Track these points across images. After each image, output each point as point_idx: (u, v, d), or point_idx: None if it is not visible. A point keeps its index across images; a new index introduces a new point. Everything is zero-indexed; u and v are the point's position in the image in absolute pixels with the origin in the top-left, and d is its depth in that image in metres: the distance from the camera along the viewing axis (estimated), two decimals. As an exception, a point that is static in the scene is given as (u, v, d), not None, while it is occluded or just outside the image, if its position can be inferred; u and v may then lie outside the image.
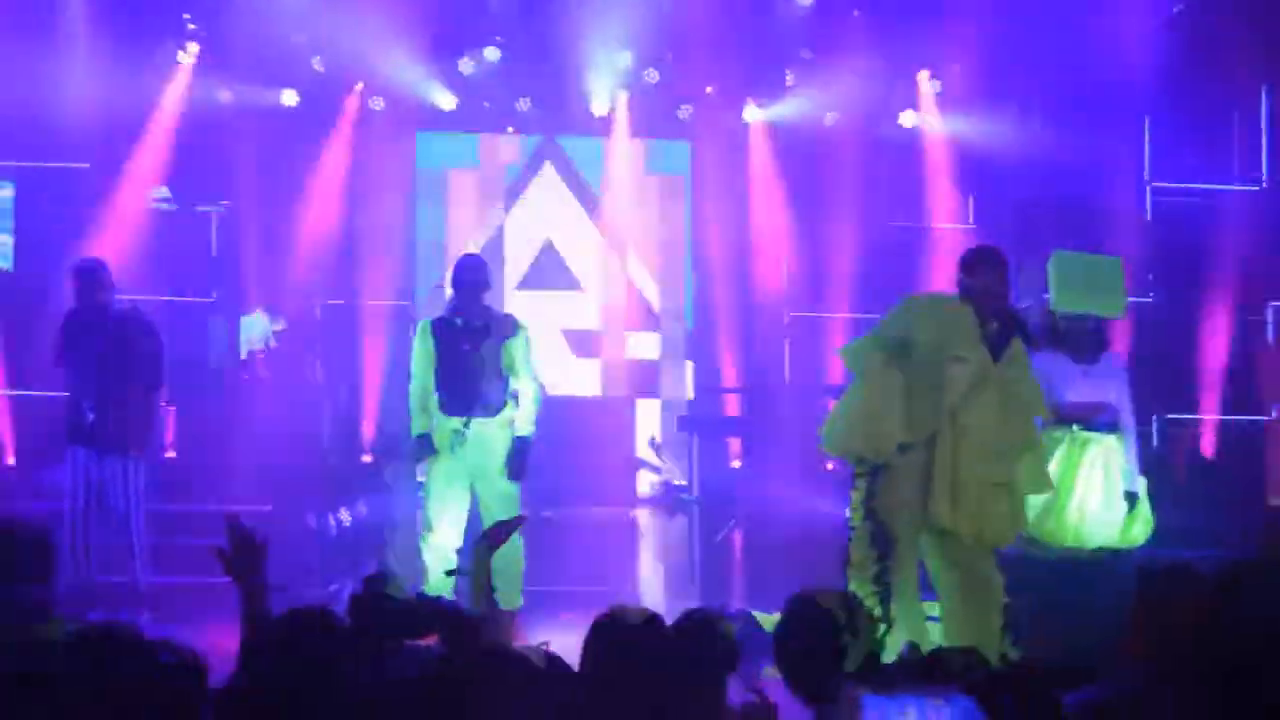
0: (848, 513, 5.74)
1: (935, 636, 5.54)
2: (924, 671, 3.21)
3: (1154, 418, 10.28)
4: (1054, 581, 6.46)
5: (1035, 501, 6.55)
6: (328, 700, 3.14)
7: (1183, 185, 11.41)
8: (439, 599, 4.48)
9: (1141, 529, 6.70)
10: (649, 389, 11.53)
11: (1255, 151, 11.32)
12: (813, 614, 3.67)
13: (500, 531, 4.58)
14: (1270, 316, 11.13)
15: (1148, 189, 11.41)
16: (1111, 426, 6.75)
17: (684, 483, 10.87)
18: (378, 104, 11.23)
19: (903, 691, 2.60)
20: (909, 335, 5.62)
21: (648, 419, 11.31)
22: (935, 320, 5.65)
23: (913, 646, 4.28)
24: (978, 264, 5.73)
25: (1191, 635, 3.29)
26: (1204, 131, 11.12)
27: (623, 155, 11.60)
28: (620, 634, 3.24)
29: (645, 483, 11.08)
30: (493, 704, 3.27)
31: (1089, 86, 10.88)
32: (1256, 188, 11.34)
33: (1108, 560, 6.54)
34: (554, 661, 3.47)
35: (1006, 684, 2.33)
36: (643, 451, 11.14)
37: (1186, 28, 10.58)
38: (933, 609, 5.81)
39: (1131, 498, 6.68)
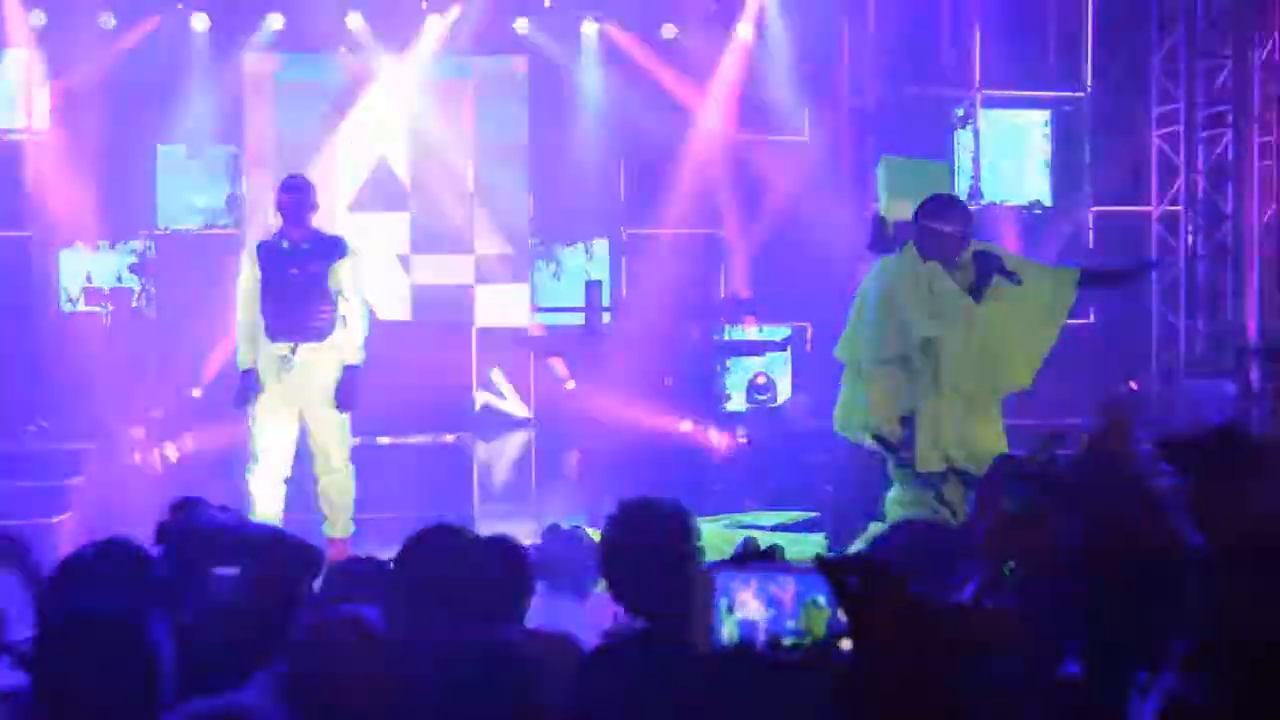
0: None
1: None
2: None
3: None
4: (877, 478, 6.58)
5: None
6: (121, 636, 3.04)
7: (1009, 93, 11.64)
8: (251, 524, 4.39)
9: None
10: (486, 312, 11.41)
11: (1079, 56, 11.55)
12: (649, 521, 3.66)
13: None
14: (1091, 222, 11.42)
15: (978, 95, 11.58)
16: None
17: (524, 409, 10.83)
18: (202, 23, 10.84)
19: (751, 568, 2.64)
20: (892, 319, 5.95)
21: (485, 343, 11.19)
22: (913, 292, 5.91)
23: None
24: (948, 211, 6.02)
25: (1023, 536, 3.35)
26: (1031, 39, 11.32)
27: (459, 71, 11.37)
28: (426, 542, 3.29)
29: (483, 407, 11.00)
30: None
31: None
32: (1080, 92, 11.59)
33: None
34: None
35: (853, 566, 2.35)
36: (485, 380, 11.04)
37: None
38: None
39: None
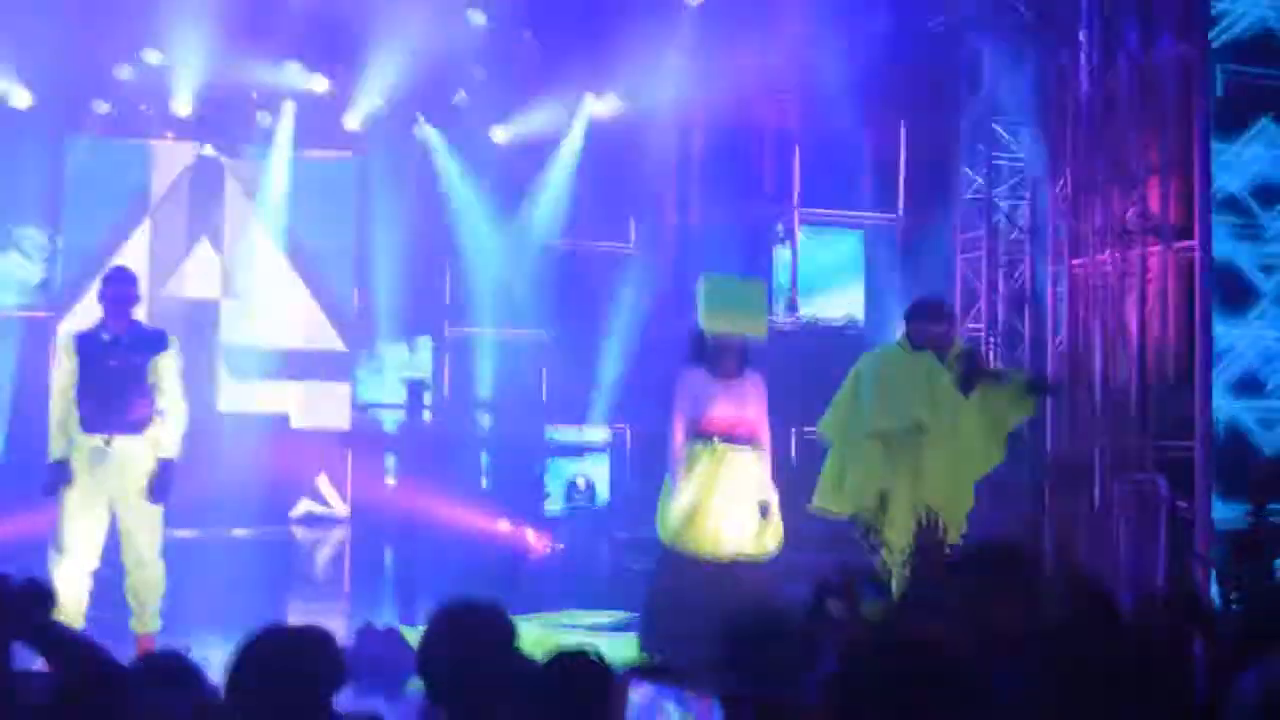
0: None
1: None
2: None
3: (792, 431, 10.86)
4: (693, 585, 6.74)
5: (676, 510, 6.87)
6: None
7: (828, 211, 12.18)
8: (48, 624, 4.31)
9: (773, 538, 7.05)
10: (312, 406, 11.34)
11: (893, 183, 12.17)
12: (463, 625, 3.71)
13: None
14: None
15: (796, 214, 12.08)
16: (750, 440, 7.07)
17: (344, 507, 10.76)
18: (24, 100, 10.66)
19: (670, 683, 2.78)
20: (883, 399, 6.25)
21: (306, 443, 11.06)
22: (910, 377, 6.27)
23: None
24: (936, 313, 6.48)
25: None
26: (848, 164, 11.89)
27: (288, 165, 11.40)
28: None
29: (302, 506, 10.89)
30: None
31: (746, 114, 11.43)
32: (893, 216, 12.19)
33: (740, 567, 6.86)
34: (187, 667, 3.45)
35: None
36: (310, 487, 10.93)
37: (841, 66, 11.24)
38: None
39: (765, 508, 7.02)
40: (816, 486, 6.60)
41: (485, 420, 10.84)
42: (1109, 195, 9.71)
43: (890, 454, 6.27)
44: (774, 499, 7.08)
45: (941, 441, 6.25)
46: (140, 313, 6.84)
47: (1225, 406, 8.63)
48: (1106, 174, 9.76)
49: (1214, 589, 6.57)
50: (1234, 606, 5.42)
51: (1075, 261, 10.02)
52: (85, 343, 6.69)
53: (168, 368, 6.70)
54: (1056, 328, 10.22)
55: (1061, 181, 10.11)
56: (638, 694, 2.69)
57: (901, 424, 6.28)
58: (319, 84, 11.23)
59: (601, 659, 3.38)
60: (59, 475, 6.55)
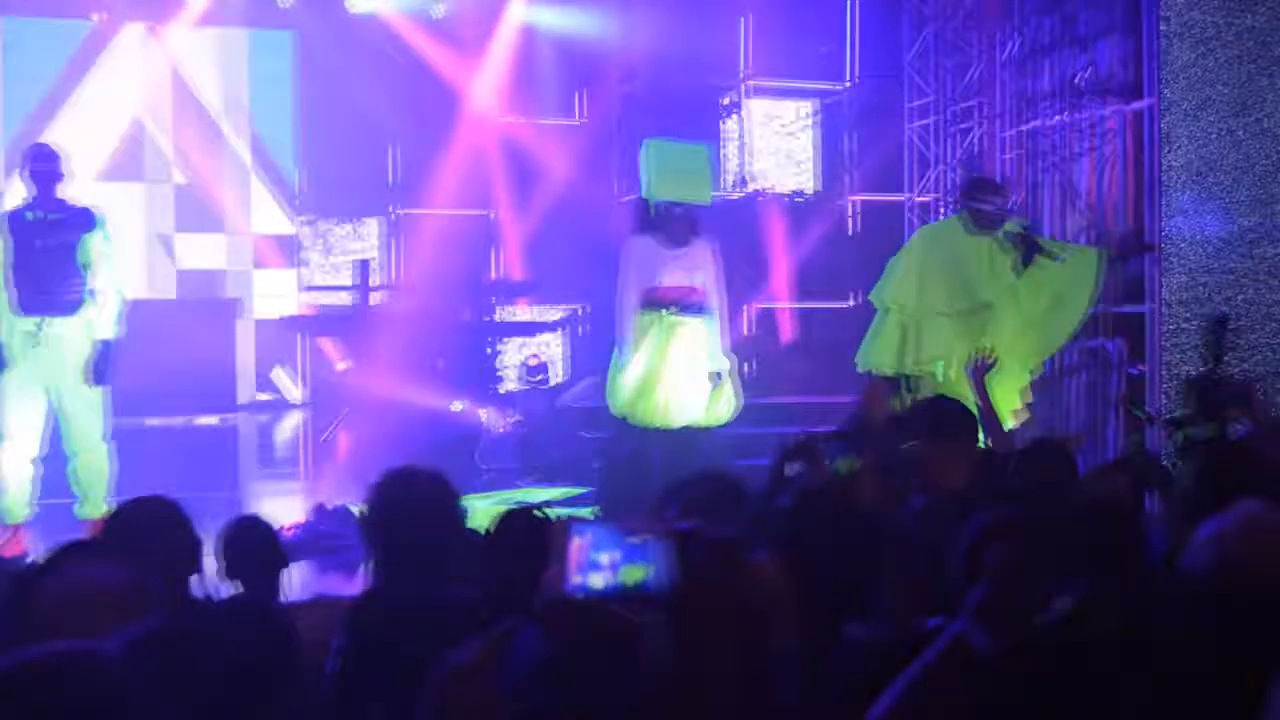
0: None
1: None
2: None
3: (745, 305, 10.79)
4: (649, 454, 6.73)
5: (627, 383, 6.82)
6: None
7: (778, 84, 11.97)
8: None
9: (726, 407, 7.01)
10: (261, 291, 11.14)
11: (842, 51, 11.96)
12: (403, 488, 3.65)
13: None
14: (850, 211, 11.85)
15: (743, 85, 11.88)
16: (701, 309, 7.00)
17: (298, 394, 10.64)
18: (-57, -15, 10.27)
19: (614, 529, 2.76)
20: (955, 279, 6.53)
21: (257, 333, 10.88)
22: (976, 260, 6.53)
23: None
24: (988, 191, 6.74)
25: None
26: (798, 32, 11.66)
27: (219, 43, 11.07)
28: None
29: (258, 394, 10.76)
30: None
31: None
32: (846, 84, 12.01)
33: (694, 435, 6.83)
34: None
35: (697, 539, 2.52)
36: (266, 380, 10.79)
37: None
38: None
39: (717, 377, 6.97)
40: (866, 347, 6.72)
41: (436, 301, 10.68)
42: (1059, 56, 9.58)
43: (958, 327, 6.51)
44: (727, 367, 7.04)
45: (1003, 320, 6.50)
46: (67, 190, 6.63)
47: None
48: (1056, 34, 9.62)
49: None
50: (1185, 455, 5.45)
51: (1026, 125, 9.92)
52: (13, 223, 6.52)
53: (99, 246, 6.54)
54: (1010, 192, 10.15)
55: (1011, 44, 9.96)
56: (578, 541, 2.63)
57: (971, 304, 6.53)
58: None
59: (544, 513, 3.33)
60: (-5, 357, 6.42)
